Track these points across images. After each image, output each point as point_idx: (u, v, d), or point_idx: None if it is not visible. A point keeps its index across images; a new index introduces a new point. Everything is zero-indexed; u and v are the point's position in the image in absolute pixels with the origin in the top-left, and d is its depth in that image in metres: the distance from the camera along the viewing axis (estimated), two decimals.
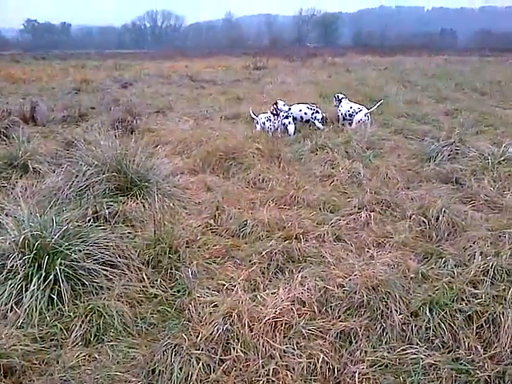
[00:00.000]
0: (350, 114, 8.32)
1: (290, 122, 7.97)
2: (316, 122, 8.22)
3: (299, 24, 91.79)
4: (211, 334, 2.65)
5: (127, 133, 7.77)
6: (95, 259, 3.35)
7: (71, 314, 2.94)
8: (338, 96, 8.72)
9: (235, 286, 3.22)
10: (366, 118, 8.19)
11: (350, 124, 8.21)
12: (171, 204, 4.47)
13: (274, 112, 7.82)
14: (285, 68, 23.58)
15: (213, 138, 7.09)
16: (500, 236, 3.86)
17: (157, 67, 23.90)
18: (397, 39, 68.49)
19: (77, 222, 3.74)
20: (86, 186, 4.61)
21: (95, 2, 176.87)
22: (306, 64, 26.39)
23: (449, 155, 6.17)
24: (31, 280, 3.05)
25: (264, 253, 3.69)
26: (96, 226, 3.76)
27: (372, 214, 4.47)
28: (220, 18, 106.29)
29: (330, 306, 3.00)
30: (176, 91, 14.16)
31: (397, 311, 2.92)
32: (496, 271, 3.29)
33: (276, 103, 7.87)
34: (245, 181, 5.60)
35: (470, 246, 3.76)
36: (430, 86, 15.36)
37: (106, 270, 3.31)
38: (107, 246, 3.50)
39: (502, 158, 5.80)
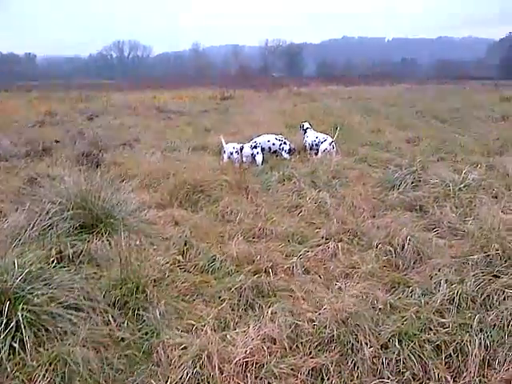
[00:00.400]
0: (316, 144, 8.51)
1: (258, 153, 8.05)
2: (283, 152, 8.34)
3: (265, 54, 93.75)
4: (181, 378, 2.60)
5: (93, 167, 7.69)
6: (59, 303, 3.23)
7: (34, 363, 2.80)
8: (303, 125, 8.91)
9: (204, 325, 3.17)
10: (331, 147, 8.36)
11: (316, 153, 8.35)
12: (138, 241, 4.39)
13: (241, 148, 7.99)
14: (252, 98, 23.92)
15: (180, 171, 7.07)
16: (464, 263, 3.94)
17: (124, 98, 23.86)
18: (360, 69, 70.81)
19: (40, 263, 3.61)
20: (50, 224, 4.49)
21: (61, 33, 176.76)
22: (273, 94, 26.84)
23: (412, 183, 6.32)
24: None
25: (233, 288, 3.67)
26: (60, 268, 3.67)
27: (339, 244, 4.52)
28: (187, 48, 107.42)
29: (301, 342, 2.98)
30: (143, 122, 14.12)
31: (367, 344, 2.93)
32: (461, 299, 3.37)
33: (254, 146, 8.12)
34: (213, 214, 5.59)
35: (436, 274, 3.83)
36: (393, 114, 15.84)
37: (71, 314, 3.19)
38: (72, 288, 3.40)
39: (463, 185, 5.99)
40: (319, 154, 8.32)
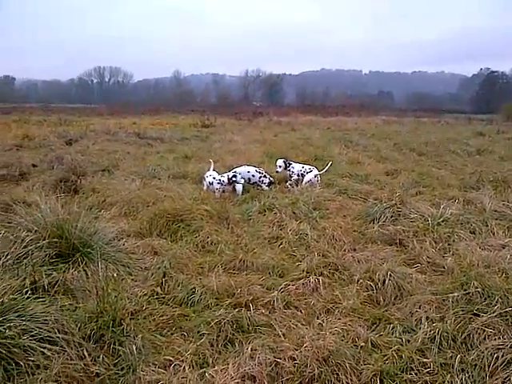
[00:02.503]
0: (302, 174, 8.64)
1: (237, 182, 8.04)
2: (263, 185, 8.36)
3: (246, 84, 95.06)
4: None
5: (71, 193, 7.57)
6: (32, 335, 3.11)
7: None
8: (285, 161, 8.96)
9: (183, 361, 3.08)
10: (316, 179, 8.46)
11: (297, 184, 8.41)
12: (115, 273, 4.28)
13: (228, 180, 7.99)
14: (232, 126, 24.12)
15: (160, 199, 7.00)
16: (444, 300, 3.94)
17: (103, 123, 23.76)
18: (338, 100, 72.31)
19: (13, 293, 3.49)
20: (25, 253, 4.36)
21: (41, 57, 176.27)
22: (253, 123, 27.14)
23: (391, 216, 6.37)
24: None
25: (213, 323, 3.59)
26: (34, 298, 3.53)
27: (320, 278, 4.48)
28: (168, 75, 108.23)
29: (282, 381, 2.92)
30: (123, 148, 14.00)
31: None
32: (442, 337, 3.36)
33: (233, 174, 8.11)
34: (193, 244, 5.51)
35: (416, 311, 3.82)
36: (371, 145, 16.12)
37: (44, 347, 3.07)
38: (45, 320, 3.27)
39: (441, 220, 6.06)
40: (303, 183, 8.39)
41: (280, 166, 8.98)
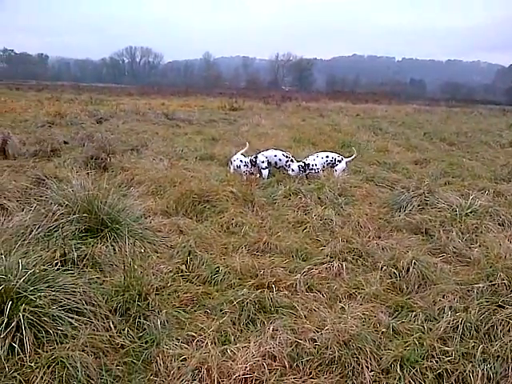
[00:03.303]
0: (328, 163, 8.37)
1: (265, 167, 8.04)
2: (290, 170, 8.15)
3: (275, 67, 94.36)
4: None
5: (101, 170, 7.71)
6: (61, 306, 3.23)
7: (32, 364, 2.79)
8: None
9: (205, 337, 3.15)
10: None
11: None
12: (142, 248, 4.38)
13: (253, 163, 8.01)
14: (260, 110, 24.02)
15: (187, 180, 7.07)
16: (468, 290, 3.90)
17: (133, 103, 23.96)
18: (368, 87, 71.18)
19: (44, 265, 3.62)
20: (55, 226, 4.49)
21: (74, 35, 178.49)
22: (281, 107, 26.97)
23: (418, 205, 6.30)
24: None
25: (235, 302, 3.64)
26: (63, 270, 3.66)
27: (344, 263, 4.49)
28: (198, 57, 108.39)
29: (302, 362, 2.96)
30: (151, 129, 14.16)
31: (368, 368, 2.91)
32: (465, 327, 3.32)
33: (256, 157, 8.09)
34: (218, 225, 5.57)
35: (440, 300, 3.79)
36: (400, 134, 15.86)
37: (72, 318, 3.18)
38: (74, 291, 3.39)
39: (470, 210, 5.95)
40: (337, 172, 8.17)
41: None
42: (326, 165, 8.33)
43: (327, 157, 8.42)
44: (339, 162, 8.35)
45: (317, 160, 8.27)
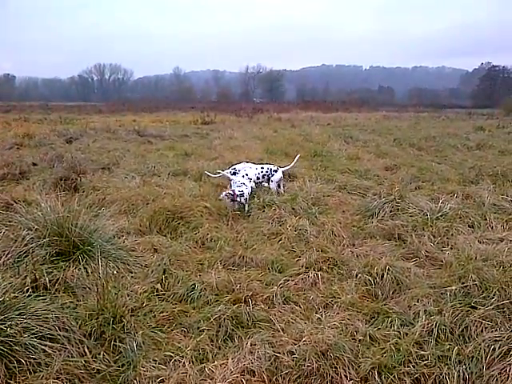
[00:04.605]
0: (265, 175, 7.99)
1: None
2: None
3: (246, 80, 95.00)
4: None
5: (71, 191, 7.58)
6: (33, 333, 3.15)
7: None
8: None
9: (183, 357, 3.11)
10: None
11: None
12: (115, 271, 4.31)
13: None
14: (232, 123, 24.12)
15: (160, 197, 7.02)
16: (442, 293, 3.97)
17: (103, 121, 23.78)
18: (338, 95, 72.26)
19: (14, 292, 3.53)
20: (25, 251, 4.39)
21: (41, 54, 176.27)
22: (253, 119, 27.13)
23: (390, 211, 6.39)
24: None
25: (212, 319, 3.62)
26: (35, 296, 3.57)
27: (319, 273, 4.52)
28: (168, 72, 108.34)
29: (280, 375, 2.95)
30: (123, 146, 14.02)
31: (347, 377, 2.93)
32: (440, 330, 3.38)
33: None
34: (193, 241, 5.54)
35: (415, 305, 3.85)
36: (370, 141, 16.12)
37: (45, 345, 3.11)
38: (46, 317, 3.31)
39: (440, 214, 6.08)
40: (273, 184, 7.84)
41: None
42: (261, 177, 7.92)
43: (262, 168, 8.02)
44: (275, 171, 7.95)
45: (249, 172, 7.83)
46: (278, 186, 7.89)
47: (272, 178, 7.87)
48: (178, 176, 9.35)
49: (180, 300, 4.08)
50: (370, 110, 41.94)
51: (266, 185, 7.91)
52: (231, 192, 6.76)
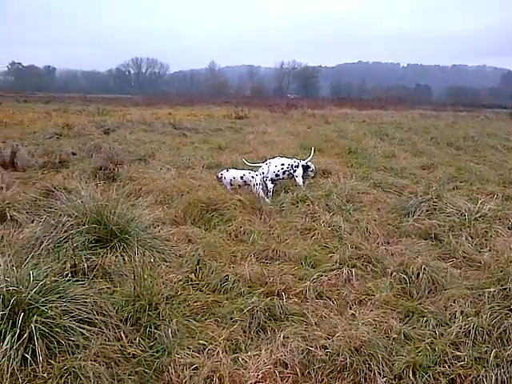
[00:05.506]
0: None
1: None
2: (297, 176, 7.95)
3: (280, 76, 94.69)
4: None
5: (109, 181, 7.75)
6: (72, 316, 3.24)
7: (45, 375, 2.81)
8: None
9: (216, 346, 3.15)
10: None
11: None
12: (151, 259, 4.39)
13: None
14: (266, 118, 24.09)
15: (194, 189, 7.11)
16: (479, 295, 3.88)
17: (140, 114, 24.12)
18: (374, 93, 71.19)
19: (54, 276, 3.64)
20: (65, 237, 4.52)
21: (80, 47, 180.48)
22: (287, 115, 27.03)
23: (427, 210, 6.28)
24: (4, 338, 2.92)
25: (245, 310, 3.64)
26: (74, 281, 3.67)
27: (353, 269, 4.48)
28: (204, 67, 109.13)
29: (313, 369, 2.95)
30: (158, 139, 14.24)
31: (380, 374, 2.90)
32: (477, 332, 3.30)
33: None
34: (226, 233, 5.58)
35: (451, 305, 3.78)
36: (407, 139, 15.81)
37: (83, 328, 3.19)
38: (85, 302, 3.40)
39: (478, 215, 5.93)
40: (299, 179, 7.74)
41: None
42: (281, 174, 7.68)
43: (282, 164, 7.73)
44: (296, 167, 7.78)
45: (266, 169, 7.59)
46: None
47: (296, 174, 7.76)
48: (212, 169, 9.43)
49: (213, 290, 4.13)
50: (407, 108, 41.10)
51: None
52: (218, 175, 7.40)
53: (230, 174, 7.33)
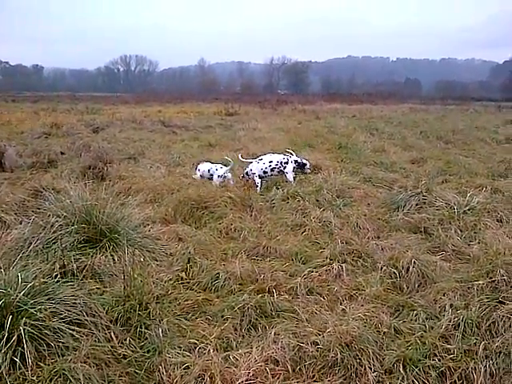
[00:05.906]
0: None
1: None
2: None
3: (270, 71, 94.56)
4: None
5: (98, 180, 7.70)
6: (61, 318, 3.21)
7: (35, 378, 2.78)
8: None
9: (207, 344, 3.14)
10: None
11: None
12: (141, 259, 4.37)
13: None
14: (256, 115, 24.06)
15: (185, 187, 7.09)
16: (469, 288, 3.90)
17: (129, 112, 23.97)
18: (364, 87, 71.39)
19: (43, 277, 3.60)
20: (54, 238, 4.47)
21: (69, 45, 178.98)
22: (277, 111, 27.02)
23: (416, 204, 6.31)
24: None
25: (236, 308, 3.63)
26: (63, 282, 3.64)
27: (344, 265, 4.49)
28: (193, 63, 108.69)
29: (304, 365, 2.96)
30: (148, 137, 14.17)
31: (371, 369, 2.91)
32: (466, 325, 3.33)
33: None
34: (217, 230, 5.57)
35: (440, 298, 3.80)
36: (396, 133, 15.89)
37: (73, 330, 3.17)
38: (74, 303, 3.37)
39: (468, 208, 5.97)
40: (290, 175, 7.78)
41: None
42: (270, 171, 7.77)
43: (270, 162, 7.79)
44: (286, 164, 7.82)
45: (254, 165, 7.75)
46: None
47: (286, 170, 7.81)
48: None
49: (204, 288, 4.12)
50: (396, 102, 41.28)
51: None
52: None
53: (203, 167, 7.97)
